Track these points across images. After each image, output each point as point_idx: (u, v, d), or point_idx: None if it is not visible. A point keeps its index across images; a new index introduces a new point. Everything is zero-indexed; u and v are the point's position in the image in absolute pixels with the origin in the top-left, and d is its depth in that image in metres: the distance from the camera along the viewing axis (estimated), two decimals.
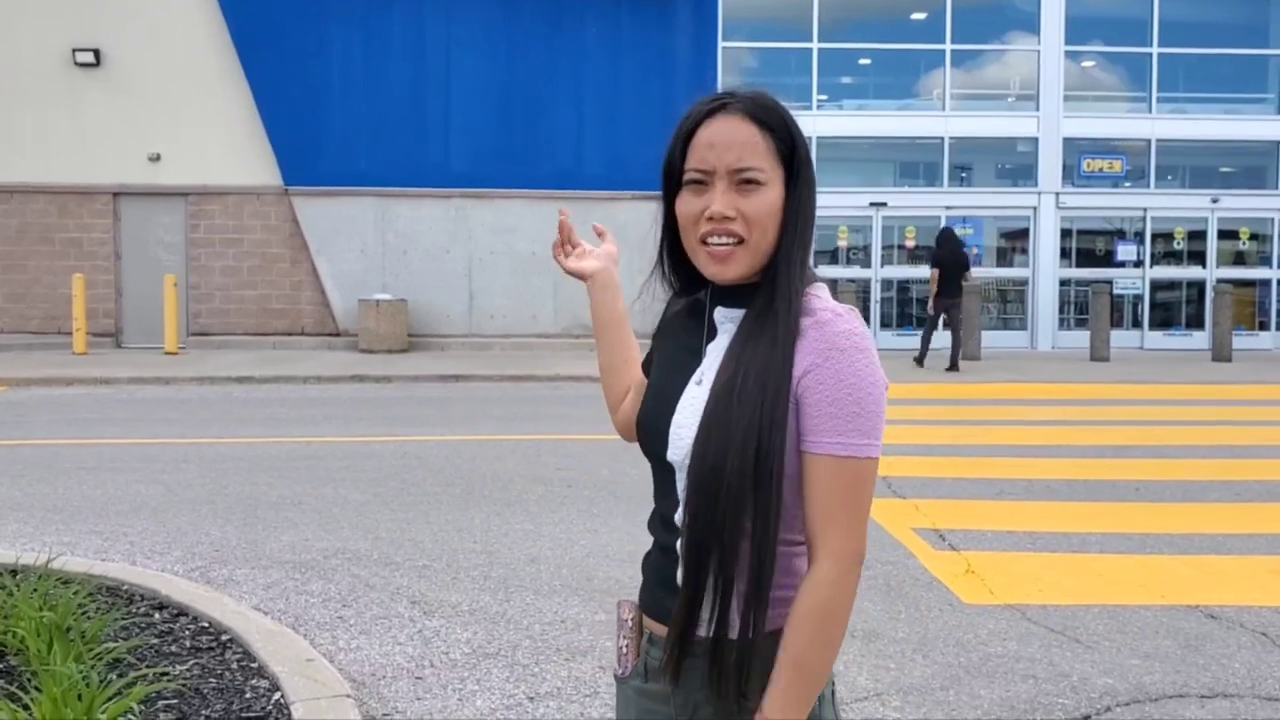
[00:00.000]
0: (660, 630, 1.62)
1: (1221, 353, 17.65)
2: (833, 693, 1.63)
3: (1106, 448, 9.55)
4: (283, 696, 3.60)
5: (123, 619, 4.26)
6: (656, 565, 1.66)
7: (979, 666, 4.38)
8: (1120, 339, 18.99)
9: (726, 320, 1.61)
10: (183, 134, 18.17)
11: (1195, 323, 20.31)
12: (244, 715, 3.49)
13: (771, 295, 1.55)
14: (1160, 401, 12.84)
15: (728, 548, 1.49)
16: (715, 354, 1.59)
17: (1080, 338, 19.31)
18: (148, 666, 3.83)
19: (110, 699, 3.30)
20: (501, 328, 18.82)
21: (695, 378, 1.59)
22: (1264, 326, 20.31)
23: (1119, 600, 5.25)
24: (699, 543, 1.50)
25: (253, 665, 3.92)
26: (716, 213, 1.53)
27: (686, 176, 1.58)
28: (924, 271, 18.86)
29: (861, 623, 4.88)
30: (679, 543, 1.57)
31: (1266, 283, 20.33)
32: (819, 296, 1.58)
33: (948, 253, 16.21)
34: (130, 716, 3.31)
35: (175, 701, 3.56)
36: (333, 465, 8.57)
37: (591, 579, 5.53)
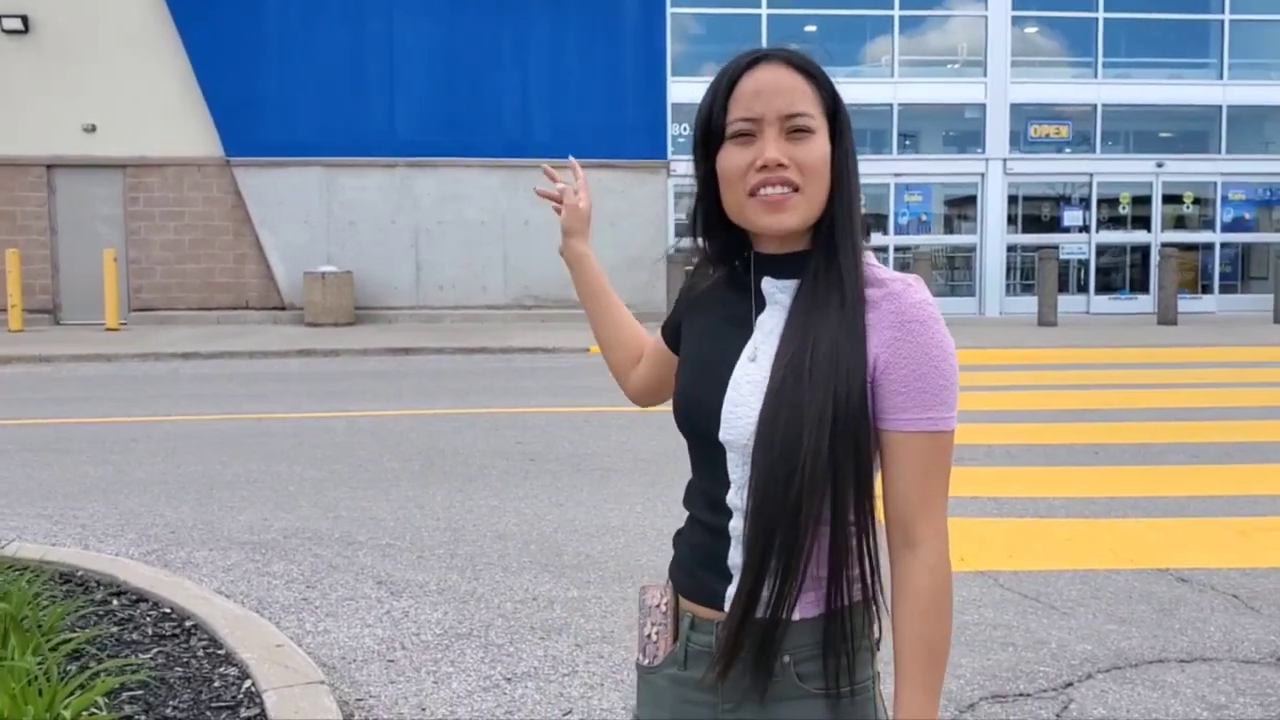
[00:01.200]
0: (706, 614, 1.52)
1: (1167, 316, 17.89)
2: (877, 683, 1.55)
3: (1062, 412, 9.62)
4: (253, 684, 3.47)
5: (81, 607, 4.10)
6: (701, 547, 1.54)
7: (957, 635, 4.35)
8: (1066, 303, 19.17)
9: (777, 291, 1.51)
10: (118, 103, 17.68)
11: (1140, 286, 20.56)
12: (214, 705, 3.36)
13: (829, 257, 1.46)
14: (1111, 365, 12.98)
15: (801, 531, 1.39)
16: (769, 327, 1.49)
17: (1027, 303, 19.47)
18: (109, 657, 3.68)
19: (73, 693, 3.15)
20: (451, 299, 18.60)
21: (748, 353, 1.49)
22: (1207, 290, 20.61)
23: (1089, 565, 5.25)
24: (767, 528, 1.40)
25: (219, 652, 3.78)
26: (770, 159, 1.42)
27: (731, 129, 1.46)
28: (892, 239, 19.20)
29: None
30: (730, 524, 1.49)
31: (1209, 246, 20.61)
32: (879, 265, 1.48)
33: None
34: (95, 710, 3.17)
35: (141, 692, 3.42)
36: (285, 442, 8.39)
37: (561, 555, 5.43)
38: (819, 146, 1.45)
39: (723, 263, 1.58)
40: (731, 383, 1.47)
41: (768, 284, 1.51)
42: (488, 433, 8.65)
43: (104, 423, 9.30)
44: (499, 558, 5.39)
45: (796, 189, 1.44)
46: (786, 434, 1.39)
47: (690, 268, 1.67)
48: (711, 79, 1.50)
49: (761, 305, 1.51)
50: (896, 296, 1.43)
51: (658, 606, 1.58)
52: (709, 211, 1.54)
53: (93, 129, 17.70)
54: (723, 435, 1.47)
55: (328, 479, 7.13)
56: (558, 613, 4.62)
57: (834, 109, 1.49)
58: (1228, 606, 4.67)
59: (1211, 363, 13.21)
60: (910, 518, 1.43)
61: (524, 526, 5.96)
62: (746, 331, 1.51)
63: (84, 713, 3.09)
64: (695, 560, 1.55)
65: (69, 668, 3.52)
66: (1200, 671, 3.98)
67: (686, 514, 1.61)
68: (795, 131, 1.44)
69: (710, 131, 1.49)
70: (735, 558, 1.48)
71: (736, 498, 1.47)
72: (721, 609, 1.49)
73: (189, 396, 10.83)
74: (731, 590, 1.47)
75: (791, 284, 1.49)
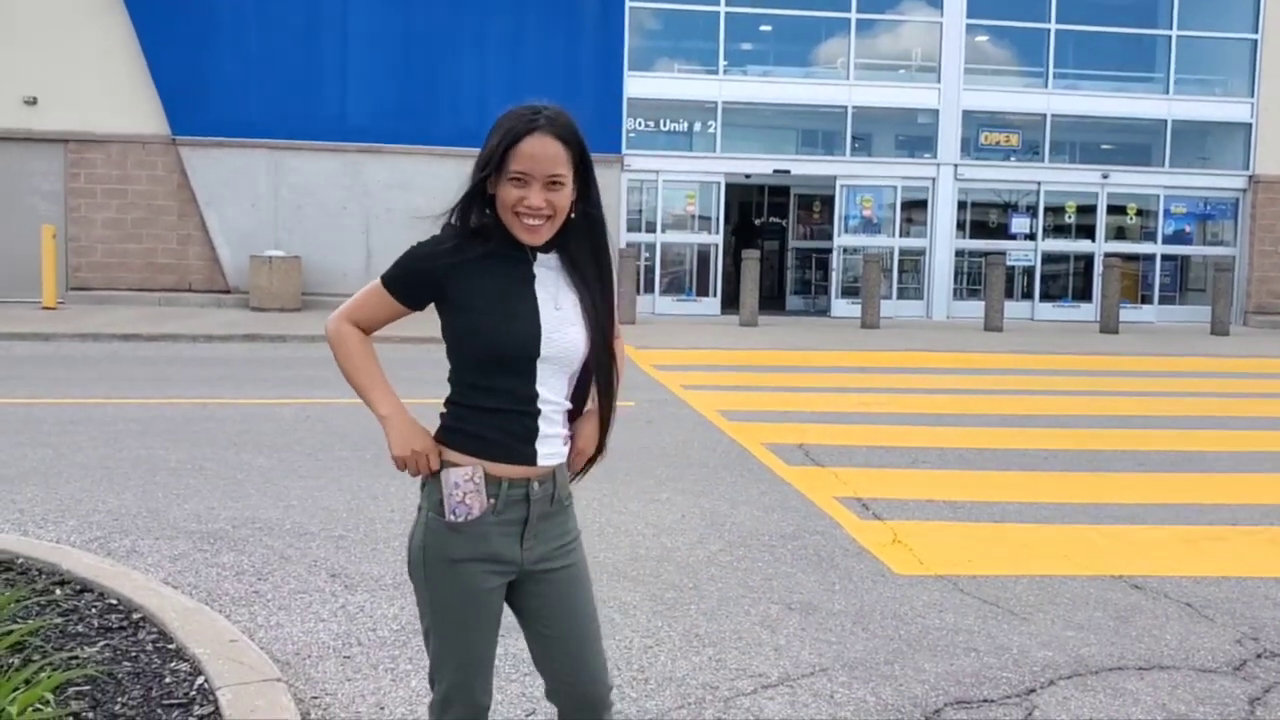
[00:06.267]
0: (518, 473, 2.28)
1: (1109, 324, 18.17)
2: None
3: (1012, 417, 9.70)
4: (206, 681, 3.35)
5: (22, 597, 3.94)
6: (514, 429, 2.26)
7: (919, 639, 4.34)
8: (1011, 309, 19.40)
9: (543, 265, 2.31)
10: (61, 77, 17.23)
11: (1083, 295, 20.85)
12: (165, 703, 3.24)
13: (590, 238, 2.33)
14: (1057, 371, 13.15)
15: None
16: (551, 285, 2.30)
17: (973, 308, 19.68)
18: (54, 649, 3.54)
19: (17, 688, 3.02)
20: None
21: (550, 303, 2.27)
22: (1147, 300, 20.96)
23: (1045, 571, 5.28)
24: (610, 400, 2.41)
25: (170, 647, 3.65)
26: (535, 206, 2.20)
27: (511, 175, 2.19)
28: (842, 241, 19.35)
29: (798, 595, 4.82)
30: (541, 409, 2.28)
31: (1150, 257, 20.97)
32: None
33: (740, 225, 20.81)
34: (41, 706, 3.04)
35: (88, 688, 3.29)
36: (231, 428, 8.21)
37: None
38: (566, 193, 2.23)
39: (478, 239, 2.25)
40: (544, 321, 2.24)
41: (539, 261, 2.31)
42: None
43: (41, 404, 9.04)
44: None
45: (549, 218, 2.22)
46: (606, 347, 2.35)
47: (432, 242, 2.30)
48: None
49: (533, 273, 2.29)
50: None
51: (469, 480, 2.23)
52: (478, 206, 2.27)
53: (33, 102, 17.24)
54: (544, 353, 2.24)
55: (276, 467, 6.98)
56: None
57: (580, 158, 2.26)
58: (1182, 614, 4.71)
59: (1153, 372, 13.43)
60: None
61: None
62: (529, 289, 2.26)
63: (30, 709, 2.97)
64: (511, 438, 2.26)
65: (11, 660, 3.39)
66: (1159, 680, 4.01)
67: (466, 409, 2.29)
68: (552, 184, 2.21)
69: (489, 163, 2.21)
70: (546, 429, 2.28)
71: (548, 391, 2.28)
72: (534, 465, 2.27)
73: (130, 379, 10.57)
74: (544, 448, 2.28)
75: (551, 258, 2.31)
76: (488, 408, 2.26)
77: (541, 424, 2.27)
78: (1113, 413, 10.10)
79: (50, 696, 3.13)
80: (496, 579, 2.31)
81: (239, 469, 6.91)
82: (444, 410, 2.33)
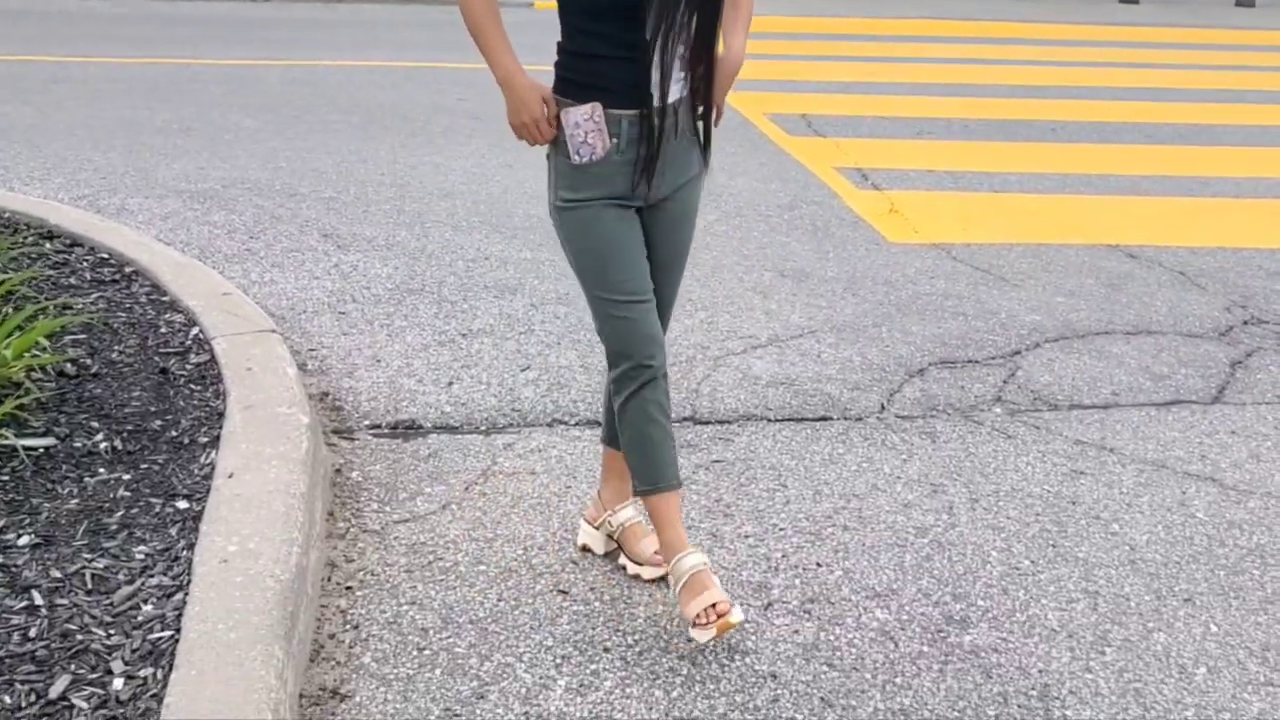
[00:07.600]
0: (633, 114, 2.19)
1: None
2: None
3: (1020, 87, 9.41)
4: (201, 331, 3.38)
5: (10, 247, 3.92)
6: (626, 73, 2.16)
7: (909, 304, 4.37)
8: None
9: None
10: None
11: None
12: (162, 350, 3.28)
13: None
14: (1070, 42, 12.65)
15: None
16: None
17: None
18: (47, 299, 3.55)
19: (11, 333, 3.04)
20: None
21: None
22: None
23: (1042, 239, 5.26)
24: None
25: (164, 299, 3.66)
26: None
27: None
28: None
29: (790, 262, 4.82)
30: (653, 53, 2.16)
31: None
32: None
33: None
34: (38, 353, 3.07)
35: (84, 336, 3.32)
36: (216, 89, 7.96)
37: (511, 216, 5.30)
38: None
39: None
40: None
41: None
42: (428, 87, 8.26)
43: (19, 60, 8.72)
44: (447, 216, 5.25)
45: None
46: None
47: None
48: None
49: None
50: None
51: (589, 119, 2.18)
52: None
53: None
54: None
55: (264, 129, 6.81)
56: (511, 273, 4.54)
57: None
58: (1174, 282, 4.73)
59: (1170, 43, 12.92)
60: None
61: (472, 186, 5.78)
62: None
63: (26, 354, 3.00)
64: (624, 85, 2.17)
65: (4, 309, 3.40)
66: (1145, 343, 4.06)
67: (577, 56, 2.19)
68: None
69: None
70: (658, 74, 2.18)
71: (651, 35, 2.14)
72: (650, 106, 2.18)
73: (108, 37, 10.14)
74: (664, 87, 2.18)
75: None
76: (598, 54, 2.18)
77: (654, 70, 2.18)
78: (1124, 84, 9.79)
79: (46, 342, 3.16)
80: (627, 212, 2.29)
81: (226, 130, 6.75)
82: (557, 59, 2.23)
